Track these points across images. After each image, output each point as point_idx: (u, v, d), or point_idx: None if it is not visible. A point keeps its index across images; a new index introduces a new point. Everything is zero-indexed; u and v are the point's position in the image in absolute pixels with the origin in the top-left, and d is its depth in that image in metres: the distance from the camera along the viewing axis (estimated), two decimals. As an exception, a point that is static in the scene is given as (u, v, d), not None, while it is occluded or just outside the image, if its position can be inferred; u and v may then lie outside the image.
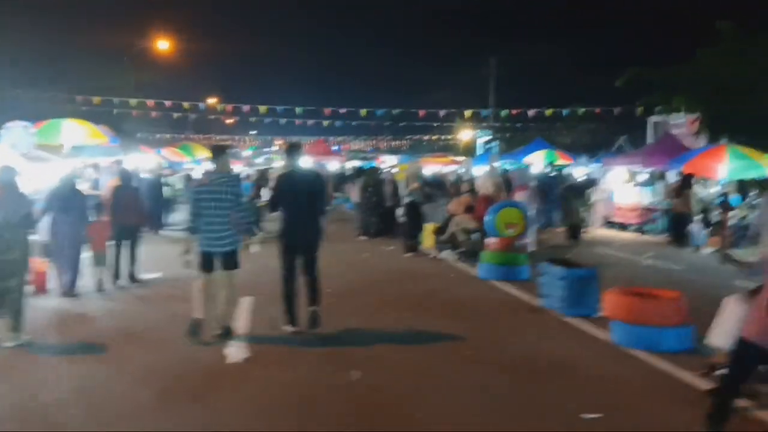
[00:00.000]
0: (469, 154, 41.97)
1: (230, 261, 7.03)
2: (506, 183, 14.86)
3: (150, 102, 28.59)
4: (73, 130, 16.67)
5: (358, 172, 22.19)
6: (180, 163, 30.30)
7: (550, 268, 8.77)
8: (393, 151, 54.06)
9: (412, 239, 13.70)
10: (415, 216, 13.74)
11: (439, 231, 13.47)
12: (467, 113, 29.04)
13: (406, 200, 13.72)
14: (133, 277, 10.31)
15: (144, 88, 33.33)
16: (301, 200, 7.24)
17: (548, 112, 27.42)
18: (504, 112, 27.86)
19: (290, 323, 7.29)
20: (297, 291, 7.41)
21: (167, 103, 28.34)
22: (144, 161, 19.26)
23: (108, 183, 15.76)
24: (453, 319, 8.28)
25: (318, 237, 7.41)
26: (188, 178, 26.21)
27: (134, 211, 10.36)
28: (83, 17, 40.06)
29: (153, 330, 7.73)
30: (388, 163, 42.26)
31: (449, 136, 47.39)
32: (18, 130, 10.47)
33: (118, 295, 9.68)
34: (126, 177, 10.88)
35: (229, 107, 27.75)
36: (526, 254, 11.15)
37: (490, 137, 42.33)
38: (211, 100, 32.89)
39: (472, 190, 13.63)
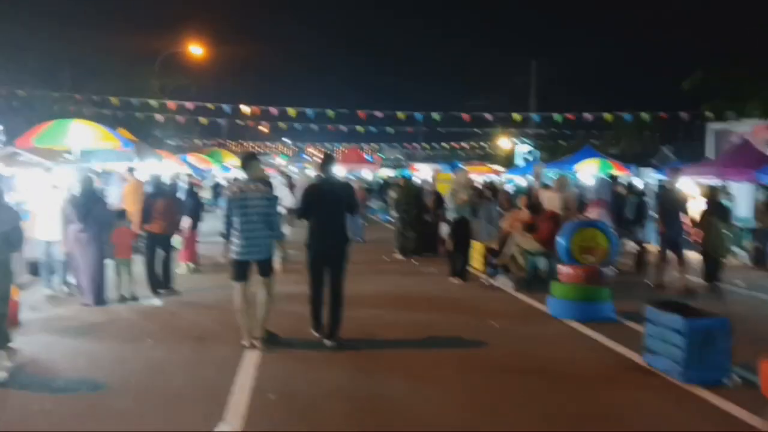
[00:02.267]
0: (508, 164, 39.41)
1: (266, 267, 6.88)
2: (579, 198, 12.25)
3: (171, 104, 26.54)
4: (81, 132, 14.61)
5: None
6: (207, 170, 28.40)
7: (659, 314, 6.34)
8: (426, 159, 51.66)
9: (460, 262, 11.32)
10: (464, 234, 11.36)
11: (494, 252, 11.06)
12: (516, 116, 26.30)
13: (453, 215, 11.33)
14: (167, 287, 9.79)
15: (174, 94, 31.63)
16: (329, 210, 7.07)
17: (607, 116, 24.56)
18: (557, 117, 24.99)
19: (315, 329, 7.17)
20: (323, 298, 7.15)
21: (188, 105, 26.24)
22: (161, 168, 17.16)
23: (125, 190, 13.87)
24: (533, 388, 5.89)
25: (345, 247, 7.15)
26: (217, 187, 24.27)
27: (167, 219, 9.85)
28: (113, 21, 38.30)
29: (146, 377, 5.94)
30: (422, 172, 39.86)
31: (485, 144, 44.84)
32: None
33: (128, 313, 8.66)
34: (159, 184, 10.53)
35: (257, 109, 25.48)
36: (610, 288, 8.68)
37: (530, 146, 39.91)
38: (243, 106, 30.71)
39: (534, 205, 11.20)
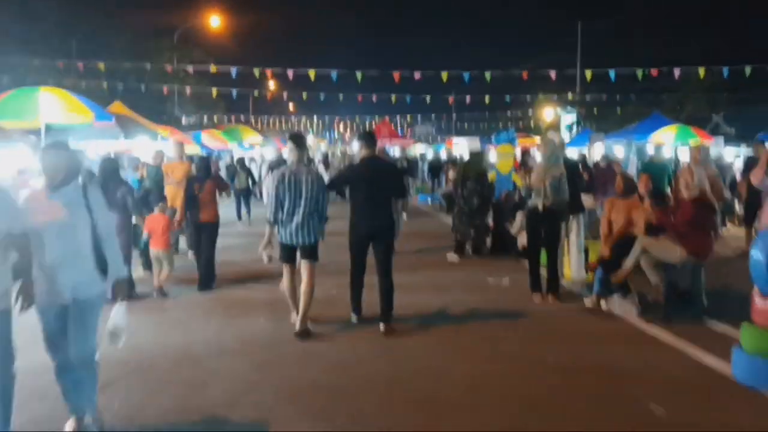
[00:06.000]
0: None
1: (311, 252, 6.41)
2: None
3: (169, 68, 23.00)
4: (47, 104, 11.20)
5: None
6: (223, 150, 24.76)
7: None
8: (459, 133, 47.45)
9: (548, 271, 7.64)
10: (552, 231, 7.67)
11: (604, 263, 7.30)
12: (588, 74, 22.07)
13: (533, 203, 7.61)
14: (205, 286, 8.36)
15: (196, 71, 28.21)
16: (374, 190, 6.50)
17: (701, 71, 20.20)
18: (640, 72, 20.57)
19: (355, 312, 6.71)
20: (364, 282, 6.69)
21: (189, 70, 22.65)
22: (149, 147, 13.64)
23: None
24: None
25: (391, 227, 6.68)
26: (229, 168, 20.61)
27: (210, 206, 8.61)
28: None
29: None
30: (460, 146, 35.84)
31: (517, 112, 40.59)
32: None
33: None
34: (203, 166, 9.09)
35: (268, 71, 21.69)
36: None
37: (575, 115, 35.71)
38: (255, 69, 26.54)
39: (660, 192, 7.46)
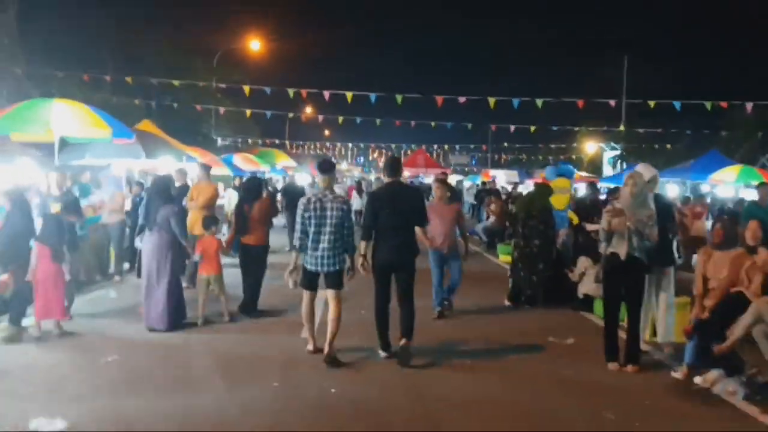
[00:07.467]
0: (593, 171, 33.86)
1: (335, 280, 6.22)
2: None
3: (201, 84, 22.18)
4: (61, 117, 10.25)
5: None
6: (256, 171, 23.82)
7: None
8: (496, 164, 46.05)
9: (628, 334, 6.19)
10: (636, 285, 6.22)
11: (702, 327, 5.83)
12: (651, 103, 20.46)
13: (614, 250, 6.15)
14: (249, 309, 7.93)
15: (232, 94, 27.62)
16: (394, 216, 6.31)
17: None
18: (709, 104, 18.92)
19: (383, 349, 6.39)
20: (390, 313, 6.41)
21: (222, 86, 21.83)
22: (173, 167, 12.53)
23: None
24: None
25: (413, 257, 6.40)
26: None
27: (260, 228, 8.19)
28: (168, 13, 34.45)
29: None
30: (499, 179, 34.39)
31: (562, 146, 39.21)
32: None
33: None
34: (253, 186, 8.60)
35: (303, 92, 20.66)
36: None
37: (619, 150, 34.25)
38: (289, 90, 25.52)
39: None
